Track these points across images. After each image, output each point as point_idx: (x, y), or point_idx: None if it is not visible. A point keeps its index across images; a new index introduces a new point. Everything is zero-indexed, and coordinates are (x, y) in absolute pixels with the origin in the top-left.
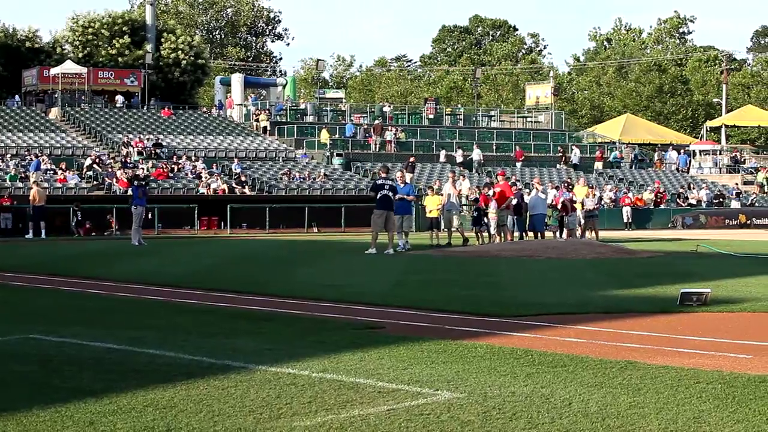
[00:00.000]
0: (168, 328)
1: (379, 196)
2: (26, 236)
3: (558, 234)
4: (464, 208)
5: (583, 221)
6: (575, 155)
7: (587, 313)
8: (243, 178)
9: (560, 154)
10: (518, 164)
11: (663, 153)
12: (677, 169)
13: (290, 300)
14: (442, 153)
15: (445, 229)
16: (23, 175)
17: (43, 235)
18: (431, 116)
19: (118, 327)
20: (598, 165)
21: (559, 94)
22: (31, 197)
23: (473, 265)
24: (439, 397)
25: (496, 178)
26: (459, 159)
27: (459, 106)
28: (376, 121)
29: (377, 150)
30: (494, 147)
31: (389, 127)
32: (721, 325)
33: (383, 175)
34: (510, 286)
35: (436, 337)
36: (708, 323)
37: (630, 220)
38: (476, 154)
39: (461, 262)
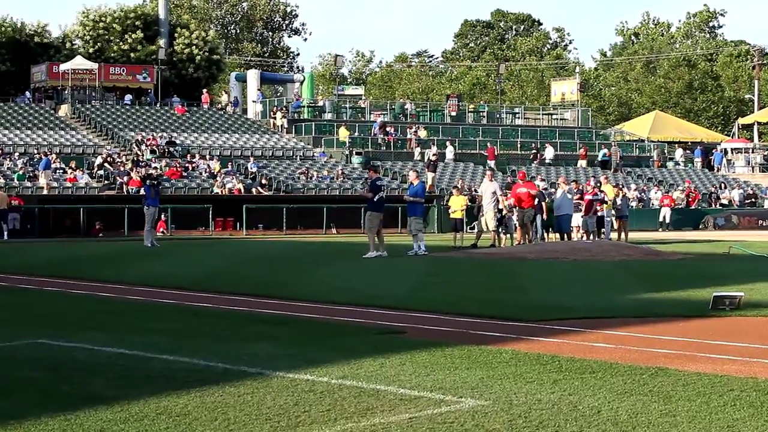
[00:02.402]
0: (181, 333)
1: (376, 198)
2: None
3: (586, 236)
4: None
5: (614, 222)
6: (614, 153)
7: (616, 317)
8: (259, 178)
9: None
10: (534, 164)
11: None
12: (710, 168)
13: (307, 303)
14: (416, 150)
15: (477, 231)
16: (32, 174)
17: (5, 237)
18: (453, 113)
19: (130, 332)
20: (582, 162)
21: (585, 90)
22: None
23: (497, 268)
24: (462, 404)
25: (517, 178)
26: (432, 156)
27: (482, 103)
28: (380, 119)
29: (387, 148)
30: (518, 145)
31: (410, 125)
32: (756, 330)
33: (374, 174)
34: (535, 289)
35: (460, 342)
36: (741, 328)
37: (667, 221)
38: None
39: (484, 265)
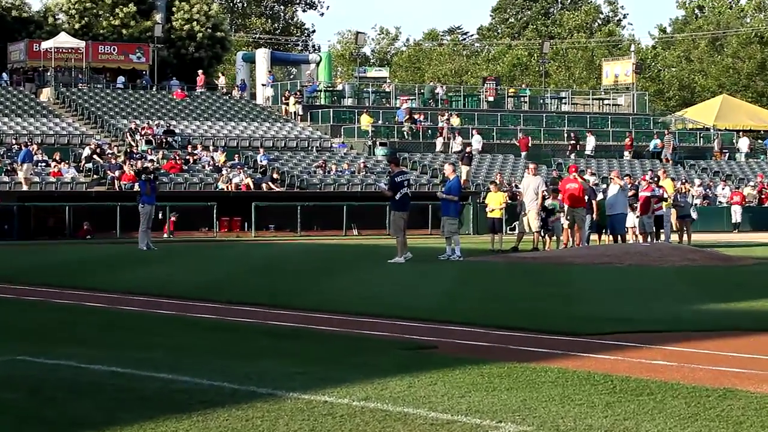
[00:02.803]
0: (181, 348)
1: (399, 196)
2: None
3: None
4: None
5: (675, 223)
6: (667, 143)
7: (677, 331)
8: (270, 172)
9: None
10: (572, 156)
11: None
12: None
13: (325, 315)
14: (453, 141)
15: (518, 232)
16: (9, 168)
17: None
18: (491, 99)
19: (122, 347)
20: (627, 154)
21: (641, 71)
22: None
23: (542, 274)
24: (502, 430)
25: (567, 173)
26: (456, 147)
27: (523, 86)
28: (406, 105)
29: (415, 138)
30: (564, 134)
31: (441, 112)
32: None
33: (395, 168)
34: (585, 298)
35: (499, 359)
36: None
37: (738, 221)
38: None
39: (528, 271)
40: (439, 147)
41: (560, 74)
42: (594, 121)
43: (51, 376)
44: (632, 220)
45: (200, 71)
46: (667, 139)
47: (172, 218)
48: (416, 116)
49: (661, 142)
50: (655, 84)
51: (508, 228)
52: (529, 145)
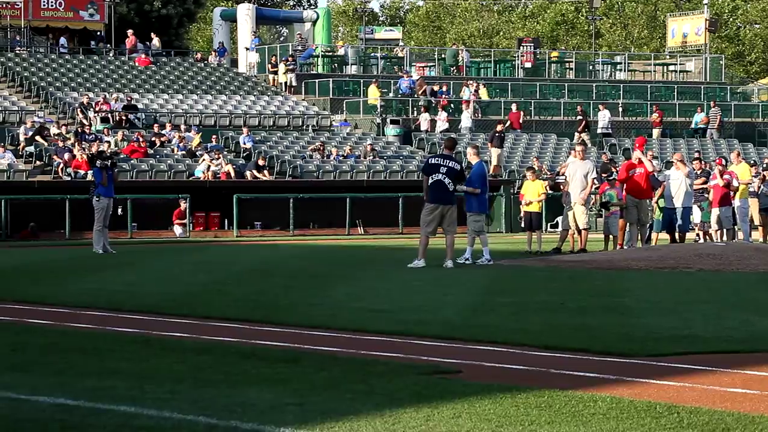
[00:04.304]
0: (147, 375)
1: (430, 182)
2: None
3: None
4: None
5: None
6: (713, 118)
7: (759, 351)
8: (256, 157)
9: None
10: (655, 132)
11: None
12: None
13: (324, 332)
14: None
15: (562, 229)
16: None
17: None
18: (528, 65)
19: (72, 373)
20: (656, 132)
21: (716, 30)
22: None
23: (590, 281)
24: None
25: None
26: (443, 126)
27: (568, 49)
28: (417, 76)
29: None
30: (620, 109)
31: (466, 82)
32: None
33: (446, 151)
34: (644, 311)
35: (537, 385)
36: None
37: None
38: (602, 118)
39: (573, 277)
40: (465, 123)
41: (615, 34)
42: (656, 92)
43: None
44: (714, 214)
45: (130, 31)
46: (713, 113)
47: (181, 206)
48: (435, 87)
49: (705, 117)
50: (733, 45)
51: (548, 225)
52: (521, 121)
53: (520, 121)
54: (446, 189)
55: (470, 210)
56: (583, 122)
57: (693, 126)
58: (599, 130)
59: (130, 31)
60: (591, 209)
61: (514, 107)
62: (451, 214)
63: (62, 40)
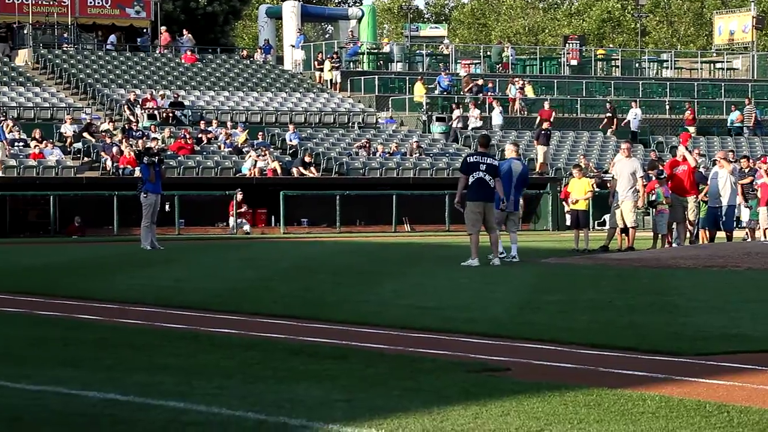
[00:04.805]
0: (195, 370)
1: (471, 180)
2: None
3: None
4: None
5: None
6: (748, 115)
7: None
8: (302, 154)
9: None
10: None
11: None
12: None
13: (372, 329)
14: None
15: (609, 228)
16: None
17: None
18: (574, 62)
19: (122, 369)
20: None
21: (764, 27)
22: None
23: (638, 279)
24: None
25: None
26: (476, 124)
27: (615, 47)
28: (463, 73)
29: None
30: (667, 107)
31: (512, 79)
32: None
33: (481, 148)
34: (693, 309)
35: (585, 383)
36: None
37: None
38: (632, 115)
39: (620, 275)
40: (496, 121)
41: (661, 31)
42: (703, 90)
43: (34, 406)
44: (746, 213)
45: (163, 28)
46: (747, 110)
47: (238, 200)
48: (478, 81)
49: (740, 115)
50: None
51: (595, 223)
52: (552, 118)
53: (551, 118)
54: (488, 186)
55: (498, 206)
56: (613, 119)
57: (729, 124)
58: (631, 128)
59: (163, 28)
60: (638, 207)
61: (546, 105)
62: (492, 211)
63: (112, 38)
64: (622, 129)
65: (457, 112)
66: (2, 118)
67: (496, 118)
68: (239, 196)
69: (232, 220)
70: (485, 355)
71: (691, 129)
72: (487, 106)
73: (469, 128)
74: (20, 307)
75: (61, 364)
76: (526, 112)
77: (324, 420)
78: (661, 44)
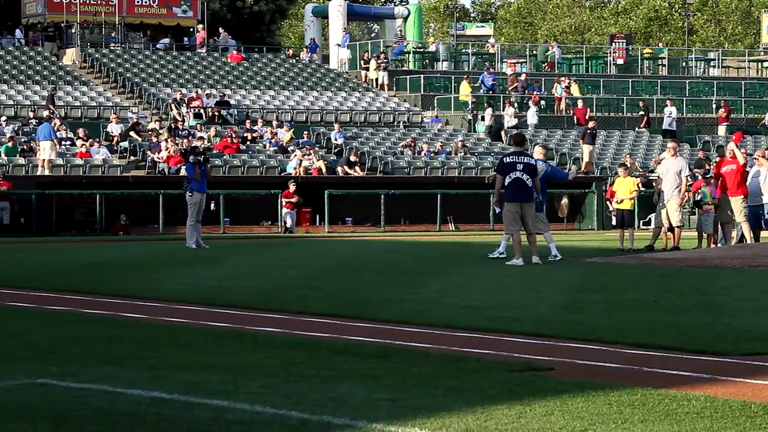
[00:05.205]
0: (239, 369)
1: (508, 181)
2: None
3: None
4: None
5: None
6: None
7: None
8: (347, 153)
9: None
10: (721, 129)
11: None
12: None
13: (415, 328)
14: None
15: (654, 227)
16: (26, 147)
17: None
18: (621, 61)
19: (166, 367)
20: (721, 129)
21: None
22: None
23: (683, 279)
24: None
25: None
26: (512, 121)
27: (662, 45)
28: (509, 72)
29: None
30: (713, 106)
31: (558, 78)
32: None
33: (516, 147)
34: (738, 309)
35: (629, 383)
36: None
37: None
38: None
39: (665, 275)
40: (531, 120)
41: (708, 30)
42: (750, 89)
43: (79, 404)
44: None
45: (200, 26)
46: (721, 112)
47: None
48: (524, 78)
49: None
50: None
51: (640, 222)
52: (589, 116)
53: (587, 116)
54: (525, 186)
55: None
56: (645, 118)
57: (766, 122)
58: (664, 126)
59: (200, 26)
60: (684, 207)
61: (579, 103)
62: (530, 211)
63: (162, 39)
64: (666, 129)
65: (489, 111)
66: (50, 117)
67: (532, 117)
68: (292, 187)
69: (286, 215)
70: (529, 355)
71: (722, 128)
72: (530, 104)
73: (505, 127)
74: (66, 305)
75: (105, 363)
76: (571, 112)
77: (367, 419)
78: (708, 43)
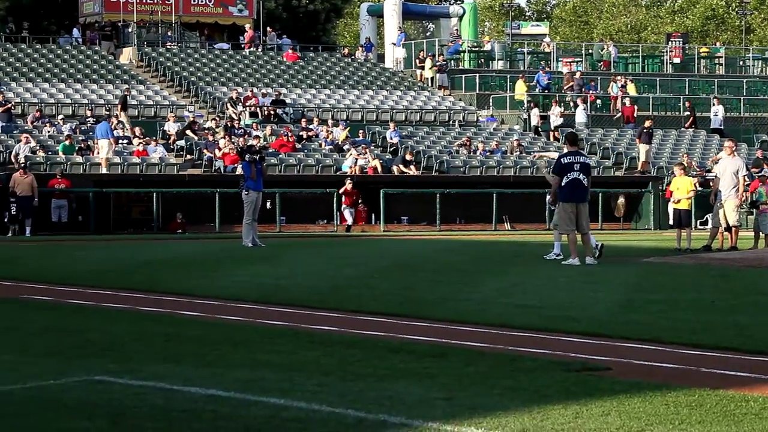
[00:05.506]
0: (296, 367)
1: (565, 181)
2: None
3: None
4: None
5: None
6: None
7: None
8: (403, 152)
9: None
10: (691, 129)
11: None
12: None
13: (471, 328)
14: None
15: (712, 227)
16: (83, 146)
17: (27, 233)
18: (677, 60)
19: (223, 365)
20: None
21: None
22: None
23: (740, 279)
24: None
25: None
26: (557, 122)
27: (718, 45)
28: (565, 71)
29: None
30: None
31: (614, 77)
32: None
33: (571, 147)
34: None
35: (687, 384)
36: None
37: None
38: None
39: (723, 275)
40: (580, 119)
41: (766, 29)
42: None
43: (137, 402)
44: None
45: (248, 25)
46: None
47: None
48: (579, 76)
49: None
50: None
51: (698, 222)
52: (635, 115)
53: (635, 115)
54: (582, 185)
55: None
56: (691, 118)
57: None
58: (712, 126)
59: (248, 25)
60: (742, 206)
61: (627, 101)
62: (585, 211)
63: (217, 38)
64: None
65: (536, 111)
66: (108, 116)
67: (580, 116)
68: (349, 185)
69: (345, 210)
70: (586, 355)
71: None
72: (578, 103)
73: (551, 126)
74: (124, 303)
75: (163, 360)
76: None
77: (423, 418)
78: (766, 42)
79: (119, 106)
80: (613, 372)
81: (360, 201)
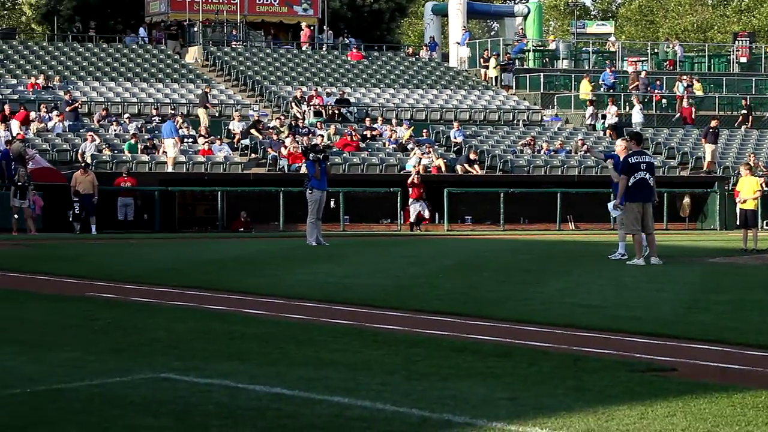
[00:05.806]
0: (360, 366)
1: (632, 181)
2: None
3: None
4: None
5: None
6: None
7: None
8: (467, 152)
9: None
10: (743, 128)
11: None
12: None
13: (536, 327)
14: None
15: None
16: (149, 145)
17: (93, 231)
18: (744, 60)
19: (288, 363)
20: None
21: None
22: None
23: None
24: None
25: None
26: (612, 119)
27: None
28: (630, 69)
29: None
30: None
31: (680, 77)
32: None
33: (636, 147)
34: None
35: (754, 385)
36: None
37: None
38: None
39: None
40: (636, 118)
41: None
42: None
43: (202, 399)
44: None
45: (304, 23)
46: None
47: (422, 208)
48: (644, 75)
49: None
50: None
51: (764, 222)
52: (693, 115)
53: (693, 116)
54: (648, 185)
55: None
56: (749, 116)
57: None
58: None
59: (304, 24)
60: None
61: (684, 102)
62: (650, 211)
63: (282, 37)
64: None
65: (590, 109)
66: (173, 115)
67: (636, 115)
68: (416, 178)
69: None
70: (650, 355)
71: None
72: (634, 102)
73: (606, 124)
74: (188, 301)
75: (227, 358)
76: (694, 111)
77: (488, 418)
78: None
79: (201, 103)
80: (679, 373)
81: (425, 197)
